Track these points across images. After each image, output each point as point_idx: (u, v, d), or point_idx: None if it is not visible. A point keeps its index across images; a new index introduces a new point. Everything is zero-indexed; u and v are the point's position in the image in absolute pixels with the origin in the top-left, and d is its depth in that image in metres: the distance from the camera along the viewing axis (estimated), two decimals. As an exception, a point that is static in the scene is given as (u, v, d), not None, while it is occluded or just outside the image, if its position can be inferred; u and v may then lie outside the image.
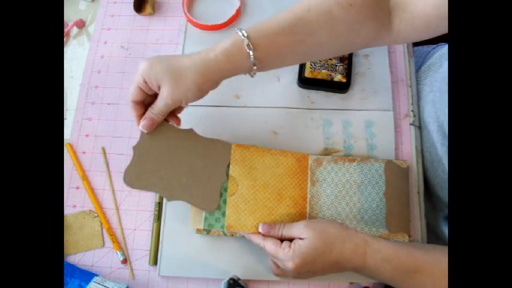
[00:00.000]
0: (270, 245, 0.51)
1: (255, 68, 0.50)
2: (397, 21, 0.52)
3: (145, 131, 0.53)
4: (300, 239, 0.50)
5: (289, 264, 0.49)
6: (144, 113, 0.53)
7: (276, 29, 0.49)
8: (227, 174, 0.57)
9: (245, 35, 0.48)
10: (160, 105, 0.51)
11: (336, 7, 0.49)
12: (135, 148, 0.54)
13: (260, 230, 0.53)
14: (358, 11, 0.50)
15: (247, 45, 0.48)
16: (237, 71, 0.50)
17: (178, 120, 0.56)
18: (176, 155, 0.55)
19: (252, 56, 0.48)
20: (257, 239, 0.53)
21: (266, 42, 0.49)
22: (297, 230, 0.51)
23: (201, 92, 0.50)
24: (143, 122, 0.52)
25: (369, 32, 0.52)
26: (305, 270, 0.50)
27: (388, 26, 0.52)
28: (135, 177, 0.54)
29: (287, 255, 0.49)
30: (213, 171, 0.56)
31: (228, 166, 0.57)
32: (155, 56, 0.50)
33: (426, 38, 0.52)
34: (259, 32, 0.49)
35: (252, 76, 0.52)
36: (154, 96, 0.52)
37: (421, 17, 0.49)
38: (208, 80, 0.49)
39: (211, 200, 0.55)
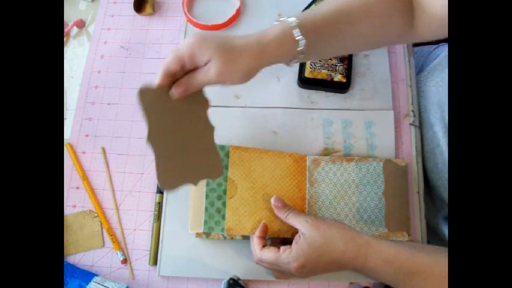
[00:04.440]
0: (267, 253, 0.51)
1: (301, 56, 0.50)
2: (416, 19, 0.54)
3: (176, 97, 0.48)
4: (302, 235, 0.50)
5: (294, 265, 0.49)
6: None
7: (321, 18, 0.51)
8: (226, 177, 0.57)
9: (294, 22, 0.49)
10: (202, 79, 0.47)
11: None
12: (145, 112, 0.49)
13: (272, 201, 0.55)
14: (391, 4, 0.53)
15: (297, 31, 0.48)
16: (283, 57, 0.50)
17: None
18: (182, 128, 0.51)
19: (302, 42, 0.49)
20: (256, 245, 0.53)
21: (313, 29, 0.50)
22: (300, 225, 0.51)
23: (247, 76, 0.48)
24: (178, 87, 0.47)
25: (399, 27, 0.54)
26: (308, 269, 0.50)
27: (411, 23, 0.54)
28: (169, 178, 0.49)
29: (289, 257, 0.49)
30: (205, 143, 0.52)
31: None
32: (204, 32, 0.48)
33: (441, 38, 0.54)
34: (306, 19, 0.50)
35: (290, 66, 0.52)
36: (186, 72, 0.48)
37: (438, 19, 0.50)
38: (258, 64, 0.48)
39: (215, 166, 0.52)
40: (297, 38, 0.48)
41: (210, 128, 0.53)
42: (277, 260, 0.50)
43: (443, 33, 0.51)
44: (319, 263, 0.50)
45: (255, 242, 0.53)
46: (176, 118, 0.50)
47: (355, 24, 0.52)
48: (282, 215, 0.54)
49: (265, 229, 0.54)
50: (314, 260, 0.49)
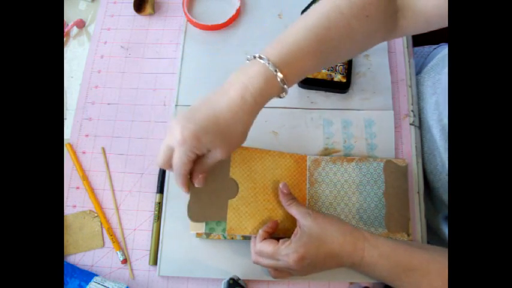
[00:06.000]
0: (268, 246, 0.51)
1: (284, 95, 0.50)
2: (401, 18, 0.53)
3: (202, 185, 0.51)
4: (301, 227, 0.51)
5: (293, 256, 0.49)
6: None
7: (303, 55, 0.49)
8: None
9: (277, 70, 0.47)
10: (212, 161, 0.49)
11: (354, 21, 0.50)
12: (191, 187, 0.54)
13: (281, 186, 0.56)
14: (373, 21, 0.51)
15: (281, 80, 0.48)
16: (268, 100, 0.50)
17: None
18: (220, 177, 0.56)
19: (286, 89, 0.49)
20: (258, 237, 0.53)
21: (296, 71, 0.49)
22: (301, 215, 0.52)
23: (246, 136, 0.50)
24: (197, 180, 0.51)
25: (381, 36, 0.54)
26: (307, 262, 0.50)
27: (395, 25, 0.54)
28: (197, 213, 0.55)
29: (289, 248, 0.49)
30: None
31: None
32: (191, 117, 0.47)
33: (426, 32, 0.54)
34: (288, 62, 0.48)
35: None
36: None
37: (421, 14, 0.50)
38: (250, 124, 0.49)
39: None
40: (281, 86, 0.48)
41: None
42: (276, 252, 0.50)
43: (428, 27, 0.52)
44: (319, 255, 0.50)
45: (259, 235, 0.53)
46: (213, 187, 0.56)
47: (337, 49, 0.51)
48: (285, 201, 0.55)
49: (275, 226, 0.55)
50: (313, 252, 0.49)
